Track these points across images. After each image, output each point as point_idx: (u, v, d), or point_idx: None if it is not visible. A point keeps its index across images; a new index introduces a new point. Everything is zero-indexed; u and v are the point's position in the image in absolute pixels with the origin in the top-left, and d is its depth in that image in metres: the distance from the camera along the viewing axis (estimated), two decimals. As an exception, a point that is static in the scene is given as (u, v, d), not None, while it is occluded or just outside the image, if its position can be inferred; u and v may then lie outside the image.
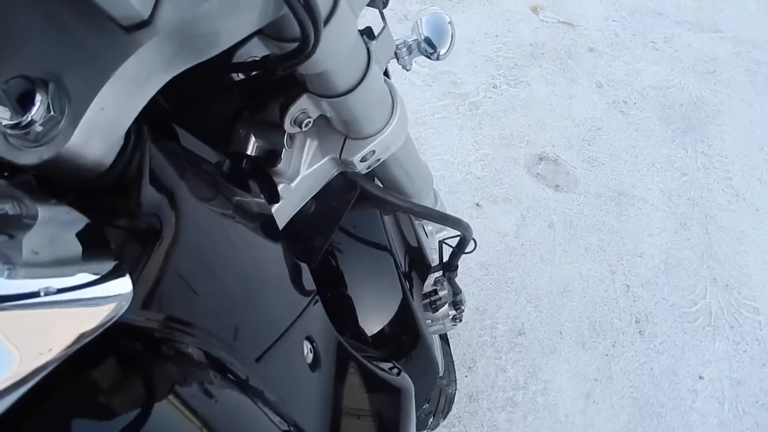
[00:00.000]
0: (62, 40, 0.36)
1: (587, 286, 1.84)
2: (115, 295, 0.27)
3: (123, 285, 0.28)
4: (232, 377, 0.36)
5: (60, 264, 0.31)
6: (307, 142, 0.67)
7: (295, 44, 0.43)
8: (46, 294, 0.25)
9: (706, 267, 1.95)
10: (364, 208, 0.83)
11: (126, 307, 0.27)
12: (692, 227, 2.06)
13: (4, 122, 0.34)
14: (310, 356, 0.47)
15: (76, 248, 0.33)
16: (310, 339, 0.48)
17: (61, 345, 0.23)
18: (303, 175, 0.67)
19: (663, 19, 2.94)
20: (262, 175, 0.63)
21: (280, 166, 0.63)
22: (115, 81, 0.36)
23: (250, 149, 0.62)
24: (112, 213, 0.39)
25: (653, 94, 2.54)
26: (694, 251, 1.99)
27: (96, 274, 0.29)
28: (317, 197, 0.71)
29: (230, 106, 0.62)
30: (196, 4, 0.35)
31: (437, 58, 0.80)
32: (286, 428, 0.40)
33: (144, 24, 0.35)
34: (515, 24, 2.75)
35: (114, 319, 0.26)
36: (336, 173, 0.71)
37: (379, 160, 0.70)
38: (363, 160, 0.68)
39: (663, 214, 2.09)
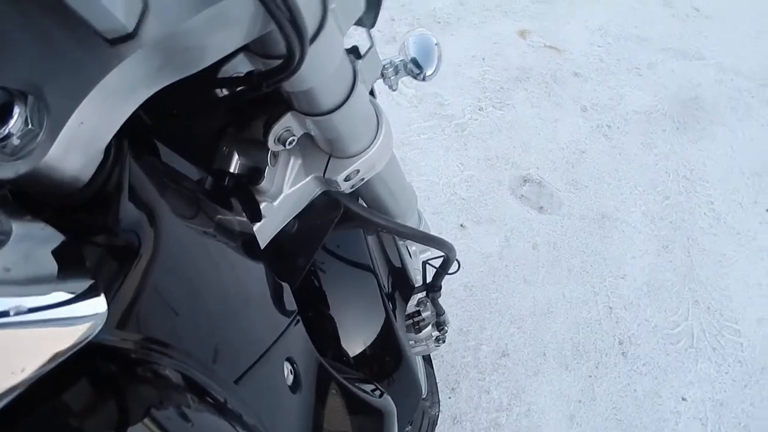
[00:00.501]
0: (43, 51, 0.35)
1: (570, 307, 1.84)
2: (90, 315, 0.27)
3: (97, 305, 0.27)
4: (210, 400, 0.35)
5: (33, 282, 0.31)
6: (291, 161, 0.66)
7: (280, 60, 0.43)
8: (17, 313, 0.24)
9: (688, 289, 1.97)
10: (348, 227, 0.83)
11: (100, 326, 0.27)
12: (674, 250, 2.08)
13: None
14: (291, 378, 0.46)
15: (51, 266, 0.32)
16: (290, 360, 0.47)
17: (34, 365, 0.23)
18: (286, 193, 0.66)
19: (647, 45, 3.00)
20: (245, 193, 0.62)
21: (263, 184, 0.63)
22: (97, 94, 0.35)
23: (233, 167, 0.61)
24: (89, 229, 0.38)
25: (636, 118, 2.58)
26: (677, 273, 2.01)
27: (70, 293, 0.29)
28: (300, 216, 0.71)
29: (213, 123, 0.62)
30: (181, 19, 0.35)
31: (423, 79, 0.80)
32: None
33: (128, 37, 0.35)
34: (502, 48, 2.79)
35: (87, 340, 0.26)
36: (319, 192, 0.71)
37: (363, 179, 0.70)
38: (347, 179, 0.67)
39: (645, 237, 2.11)
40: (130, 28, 0.35)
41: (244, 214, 0.57)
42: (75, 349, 0.25)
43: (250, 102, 0.58)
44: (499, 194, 2.12)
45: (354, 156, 0.66)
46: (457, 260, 0.93)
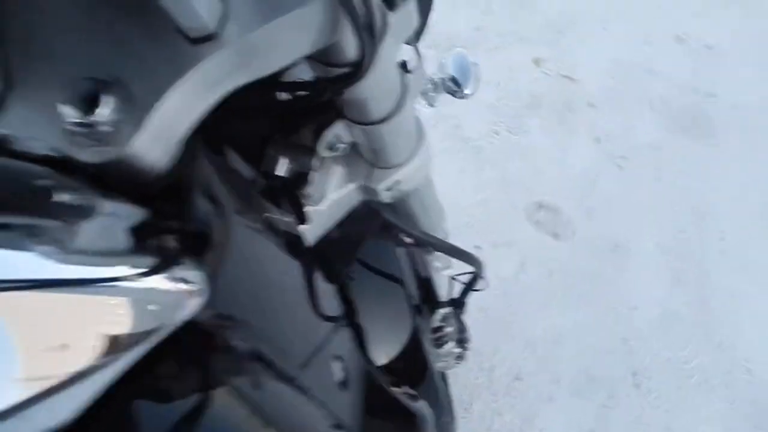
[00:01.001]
0: (130, 46, 0.37)
1: (584, 335, 1.84)
2: (194, 290, 0.27)
3: (199, 279, 0.28)
4: (283, 377, 0.36)
5: (122, 254, 0.32)
6: (335, 168, 0.68)
7: (344, 69, 0.45)
8: (126, 279, 0.25)
9: (701, 323, 1.96)
10: (381, 237, 0.84)
11: (204, 300, 0.27)
12: (687, 283, 2.08)
13: (71, 120, 0.35)
14: (340, 375, 0.47)
15: (133, 241, 0.34)
16: (339, 358, 0.48)
17: (154, 331, 0.24)
18: (329, 199, 0.67)
19: (660, 79, 3.03)
20: (292, 196, 0.63)
21: (309, 188, 0.64)
22: (177, 89, 0.37)
23: (281, 170, 0.62)
24: (166, 217, 0.39)
25: (649, 151, 2.59)
26: (689, 307, 2.00)
27: (165, 268, 0.29)
28: (340, 223, 0.72)
29: (263, 126, 0.63)
30: (261, 21, 0.37)
31: (461, 97, 0.82)
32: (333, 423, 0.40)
33: (210, 37, 0.36)
34: (517, 74, 2.82)
35: (193, 313, 0.26)
36: (359, 200, 0.72)
37: (402, 190, 0.71)
38: (388, 189, 0.68)
39: (658, 268, 2.11)
40: (213, 28, 0.36)
41: (292, 216, 0.58)
42: (183, 321, 0.26)
43: (300, 108, 0.60)
44: (514, 218, 2.13)
45: (396, 166, 0.67)
46: (484, 277, 0.94)
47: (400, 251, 0.93)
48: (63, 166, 0.37)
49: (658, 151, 2.60)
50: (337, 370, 0.48)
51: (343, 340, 0.51)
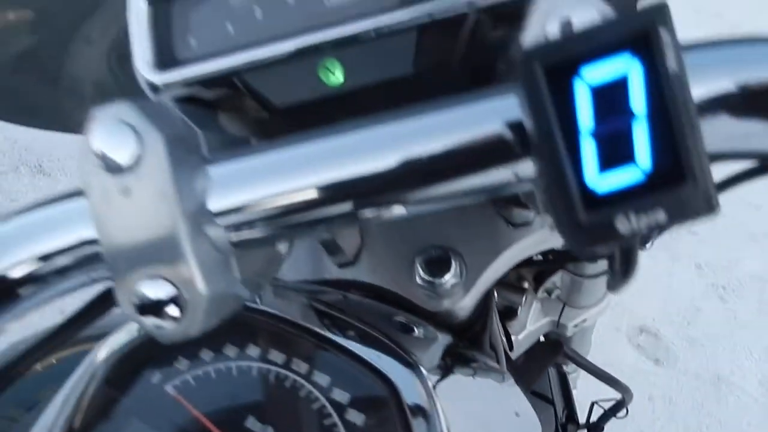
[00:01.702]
0: (467, 225, 0.53)
1: (687, 467, 1.83)
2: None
3: None
4: None
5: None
6: (535, 305, 0.82)
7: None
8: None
9: (810, 471, 1.91)
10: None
11: None
12: (794, 426, 2.04)
13: (423, 277, 0.51)
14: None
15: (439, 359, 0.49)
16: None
17: None
18: (527, 330, 0.81)
19: (762, 213, 3.06)
20: (503, 328, 0.78)
21: (514, 321, 0.79)
22: (498, 262, 0.53)
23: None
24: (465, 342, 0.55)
25: (752, 284, 2.60)
26: (797, 451, 1.96)
27: None
28: (526, 351, 0.85)
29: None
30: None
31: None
32: None
33: (527, 224, 0.52)
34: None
35: None
36: (546, 331, 0.85)
37: (585, 327, 0.84)
38: (575, 326, 0.82)
39: (762, 407, 2.08)
40: (530, 219, 0.52)
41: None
42: None
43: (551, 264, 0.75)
44: (616, 340, 2.18)
45: (586, 308, 0.81)
46: (628, 407, 1.03)
47: (552, 371, 1.04)
48: (400, 304, 0.54)
49: (761, 285, 2.61)
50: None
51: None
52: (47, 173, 2.32)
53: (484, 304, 0.59)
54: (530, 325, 0.81)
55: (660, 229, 0.18)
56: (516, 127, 0.21)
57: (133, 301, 0.23)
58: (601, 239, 0.18)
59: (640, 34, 0.17)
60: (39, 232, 0.24)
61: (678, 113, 0.18)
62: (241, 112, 0.32)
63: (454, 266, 0.51)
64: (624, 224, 0.18)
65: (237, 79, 0.30)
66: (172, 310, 0.23)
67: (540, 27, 0.20)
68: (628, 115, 0.18)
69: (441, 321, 0.54)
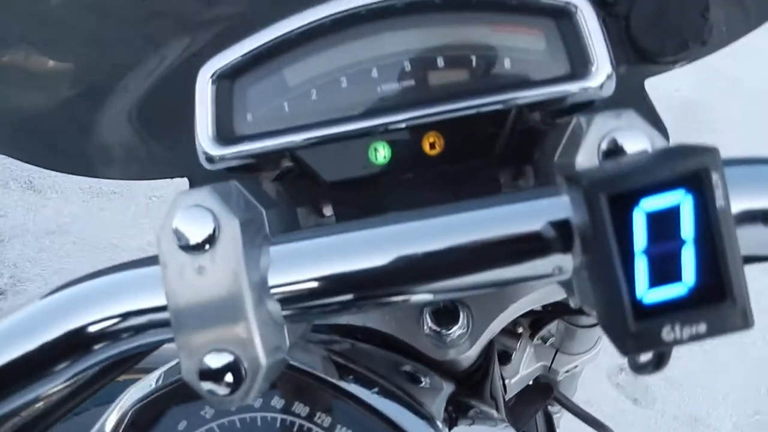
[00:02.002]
0: None
1: None
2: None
3: None
4: None
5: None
6: (528, 350, 0.84)
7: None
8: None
9: None
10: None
11: None
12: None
13: (431, 327, 0.53)
14: None
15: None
16: None
17: None
18: (520, 374, 0.83)
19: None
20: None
21: (508, 366, 0.81)
22: (503, 316, 0.55)
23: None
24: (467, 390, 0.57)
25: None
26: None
27: None
28: (517, 394, 0.87)
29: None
30: None
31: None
32: None
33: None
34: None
35: None
36: (537, 375, 0.87)
37: (575, 372, 0.86)
38: (566, 371, 0.84)
39: (737, 450, 2.12)
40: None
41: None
42: None
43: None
44: (597, 378, 2.21)
45: (579, 354, 0.83)
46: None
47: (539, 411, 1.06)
48: (406, 352, 0.56)
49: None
50: None
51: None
52: (38, 190, 2.31)
53: (486, 352, 0.61)
54: (523, 369, 0.83)
55: (699, 339, 0.21)
56: (563, 226, 0.24)
57: (197, 370, 0.25)
58: (647, 346, 0.21)
59: (695, 174, 0.20)
60: (117, 293, 0.26)
61: (722, 241, 0.20)
62: (292, 182, 0.35)
63: (462, 317, 0.53)
64: (669, 334, 0.20)
65: (289, 154, 0.32)
66: (231, 378, 0.25)
67: (593, 148, 0.23)
68: (678, 239, 0.21)
69: (445, 370, 0.56)
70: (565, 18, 0.31)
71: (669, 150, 0.22)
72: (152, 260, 0.27)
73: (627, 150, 0.23)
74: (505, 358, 0.80)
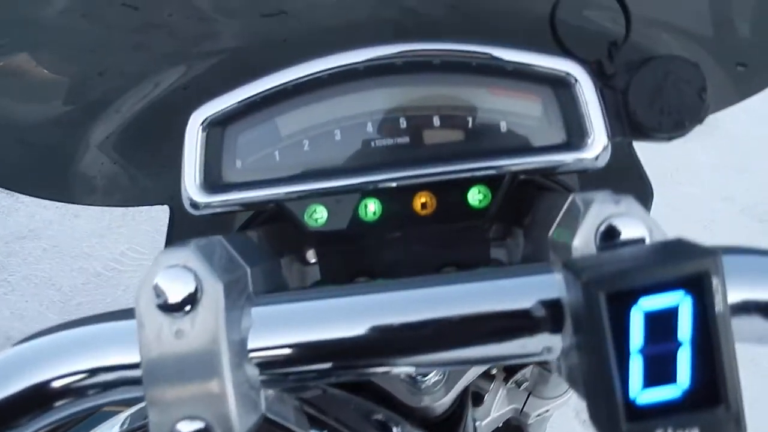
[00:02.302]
0: None
1: None
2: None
3: None
4: None
5: None
6: (501, 392, 0.84)
7: None
8: None
9: None
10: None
11: None
12: None
13: (407, 375, 0.53)
14: None
15: None
16: None
17: None
18: (491, 417, 0.83)
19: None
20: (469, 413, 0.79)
21: (480, 407, 0.80)
22: (471, 371, 0.55)
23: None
24: None
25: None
26: None
27: None
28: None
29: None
30: None
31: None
32: None
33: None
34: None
35: None
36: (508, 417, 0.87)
37: (546, 417, 0.86)
38: (538, 415, 0.84)
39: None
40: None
41: None
42: None
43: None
44: (563, 414, 2.20)
45: (552, 399, 0.83)
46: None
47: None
48: (379, 397, 0.55)
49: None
50: None
51: None
52: (11, 193, 2.23)
53: (461, 398, 0.60)
54: (495, 412, 0.82)
55: None
56: (555, 306, 0.23)
57: None
58: None
59: (696, 277, 0.20)
60: (85, 348, 0.25)
61: (719, 346, 0.20)
62: (276, 229, 0.34)
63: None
64: None
65: (276, 204, 0.32)
66: None
67: (591, 232, 0.23)
68: (675, 340, 0.20)
69: (418, 416, 0.55)
70: (563, 87, 0.31)
71: (668, 245, 0.21)
72: (127, 314, 0.26)
73: (624, 236, 0.23)
74: (477, 399, 0.79)
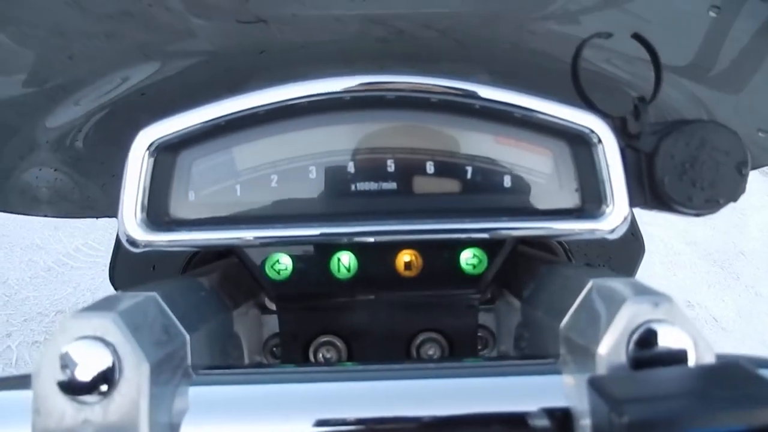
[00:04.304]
0: None
1: None
2: None
3: None
4: None
5: None
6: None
7: None
8: None
9: None
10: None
11: None
12: None
13: None
14: None
15: None
16: None
17: None
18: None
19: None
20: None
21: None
22: None
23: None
24: None
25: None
26: None
27: None
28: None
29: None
30: None
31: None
32: None
33: None
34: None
35: None
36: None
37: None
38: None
39: None
40: None
41: None
42: None
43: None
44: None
45: None
46: None
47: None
48: None
49: None
50: None
51: None
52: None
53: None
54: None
55: None
56: (562, 415, 0.19)
57: None
58: None
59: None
60: None
61: None
62: (231, 272, 0.28)
63: None
64: None
65: (234, 250, 0.26)
66: None
67: (621, 341, 0.18)
68: None
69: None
70: (582, 145, 0.26)
71: (722, 371, 0.17)
72: (26, 381, 0.20)
73: (661, 344, 0.19)
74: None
